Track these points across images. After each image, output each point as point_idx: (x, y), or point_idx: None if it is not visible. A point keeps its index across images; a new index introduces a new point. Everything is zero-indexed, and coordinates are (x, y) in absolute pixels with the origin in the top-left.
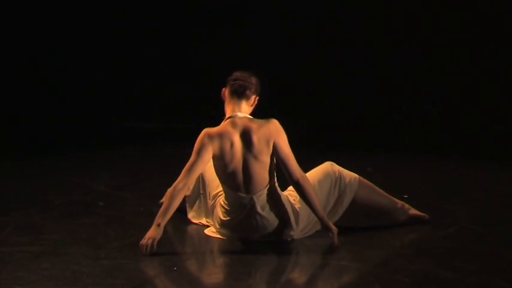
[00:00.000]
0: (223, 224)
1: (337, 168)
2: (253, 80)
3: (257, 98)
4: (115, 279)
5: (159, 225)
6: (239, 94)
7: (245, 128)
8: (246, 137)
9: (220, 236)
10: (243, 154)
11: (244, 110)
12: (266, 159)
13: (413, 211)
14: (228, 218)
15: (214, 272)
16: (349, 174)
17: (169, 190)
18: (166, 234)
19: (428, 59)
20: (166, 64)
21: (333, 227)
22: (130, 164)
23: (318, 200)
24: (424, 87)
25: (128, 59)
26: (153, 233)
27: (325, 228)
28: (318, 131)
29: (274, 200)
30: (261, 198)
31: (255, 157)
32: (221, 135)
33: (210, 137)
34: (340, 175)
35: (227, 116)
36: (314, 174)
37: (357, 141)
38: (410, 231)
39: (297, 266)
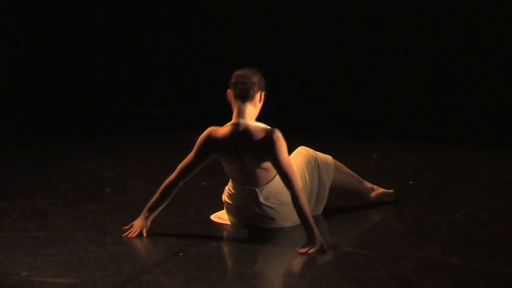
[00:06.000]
0: (229, 209)
1: (311, 151)
2: (255, 78)
3: (263, 93)
4: (121, 265)
5: (146, 217)
6: (242, 97)
7: (246, 137)
8: (247, 147)
9: (226, 222)
10: (244, 160)
11: (249, 113)
12: (267, 164)
13: (380, 189)
14: (232, 203)
15: (220, 258)
16: (325, 157)
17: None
18: (172, 220)
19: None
20: (174, 50)
21: (319, 238)
22: (137, 150)
23: (309, 212)
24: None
25: (136, 45)
26: (140, 223)
27: (311, 236)
28: (325, 118)
29: (279, 189)
30: (264, 190)
31: (256, 163)
32: (223, 139)
33: (213, 138)
34: (316, 157)
35: (233, 119)
36: (296, 160)
37: (364, 127)
38: (416, 217)
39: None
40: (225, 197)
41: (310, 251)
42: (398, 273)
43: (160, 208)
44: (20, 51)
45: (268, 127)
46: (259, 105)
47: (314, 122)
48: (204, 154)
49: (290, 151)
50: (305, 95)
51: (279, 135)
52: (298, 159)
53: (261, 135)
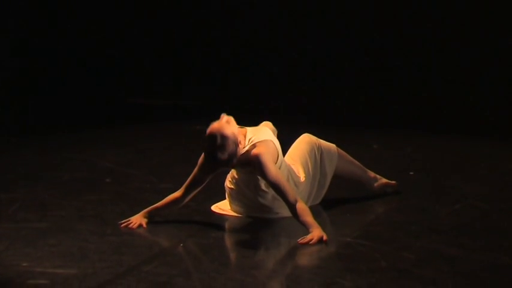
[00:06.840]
0: (231, 195)
1: (314, 138)
2: (226, 158)
3: (237, 138)
4: (121, 256)
5: (145, 217)
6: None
7: (238, 165)
8: (241, 170)
9: (227, 213)
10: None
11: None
12: None
13: (384, 180)
14: (235, 188)
15: (221, 248)
16: (328, 145)
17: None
18: (172, 211)
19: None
20: (175, 41)
21: (320, 232)
22: (137, 140)
23: (310, 214)
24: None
25: (137, 35)
26: (139, 219)
27: (312, 229)
28: (325, 109)
29: None
30: None
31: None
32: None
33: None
34: (320, 145)
35: None
36: (299, 148)
37: (364, 118)
38: (416, 208)
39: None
40: (227, 183)
41: (311, 242)
42: (399, 264)
43: (159, 214)
44: (20, 45)
45: (256, 145)
46: (238, 137)
47: (314, 113)
48: (206, 173)
49: (293, 139)
50: (303, 89)
51: (261, 160)
52: (301, 148)
53: (248, 162)
